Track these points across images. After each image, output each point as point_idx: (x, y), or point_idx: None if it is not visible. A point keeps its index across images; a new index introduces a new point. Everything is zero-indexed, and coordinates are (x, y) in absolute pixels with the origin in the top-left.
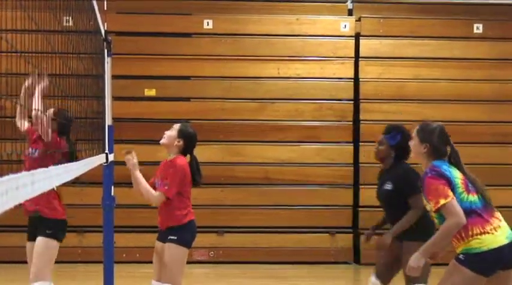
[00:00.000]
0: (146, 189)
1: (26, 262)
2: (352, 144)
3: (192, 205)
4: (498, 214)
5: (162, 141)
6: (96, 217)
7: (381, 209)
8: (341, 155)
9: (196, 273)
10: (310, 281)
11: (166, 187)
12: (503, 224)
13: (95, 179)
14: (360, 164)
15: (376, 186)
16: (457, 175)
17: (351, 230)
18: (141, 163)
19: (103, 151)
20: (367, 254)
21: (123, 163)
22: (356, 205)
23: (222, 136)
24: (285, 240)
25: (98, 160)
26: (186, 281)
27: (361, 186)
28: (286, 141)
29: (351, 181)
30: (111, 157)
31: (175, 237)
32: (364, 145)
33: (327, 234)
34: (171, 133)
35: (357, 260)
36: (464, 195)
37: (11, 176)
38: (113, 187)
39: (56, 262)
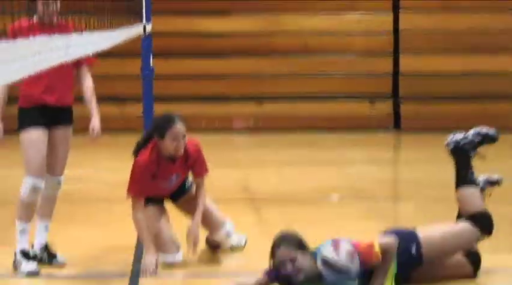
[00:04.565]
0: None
1: None
2: (391, 12)
3: (232, 75)
4: None
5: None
6: (136, 87)
7: (421, 75)
8: (380, 24)
9: (237, 141)
10: (351, 147)
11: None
12: None
13: (134, 51)
14: (401, 32)
15: (417, 53)
16: None
17: (390, 97)
18: (179, 34)
19: (140, 22)
20: (407, 119)
21: (162, 35)
22: (396, 72)
23: (262, 6)
24: (324, 108)
25: (136, 31)
26: (227, 148)
27: (401, 54)
28: (325, 9)
29: (390, 48)
30: (149, 28)
31: None
32: (404, 12)
33: (367, 101)
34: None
35: (397, 125)
36: None
37: (45, 38)
38: (151, 58)
39: None
